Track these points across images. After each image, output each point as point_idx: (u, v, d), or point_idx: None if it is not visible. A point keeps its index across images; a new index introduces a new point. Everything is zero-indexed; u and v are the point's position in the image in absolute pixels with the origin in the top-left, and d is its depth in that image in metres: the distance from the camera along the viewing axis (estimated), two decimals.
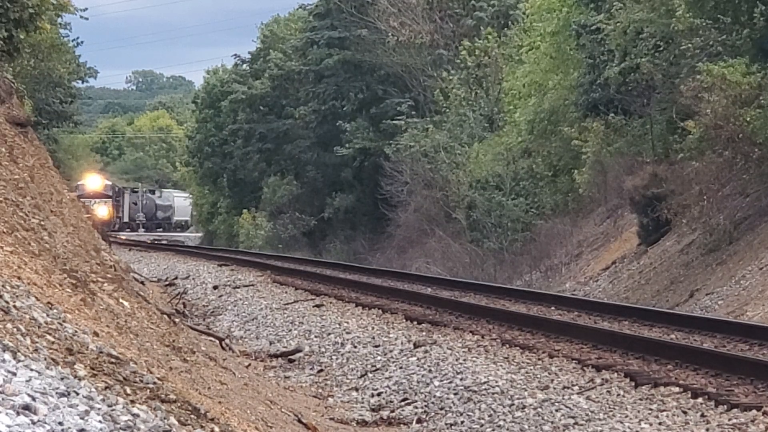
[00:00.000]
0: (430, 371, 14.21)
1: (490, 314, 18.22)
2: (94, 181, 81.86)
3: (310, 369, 16.19)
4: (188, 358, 11.96)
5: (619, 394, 12.09)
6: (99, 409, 5.44)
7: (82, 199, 72.39)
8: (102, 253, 17.23)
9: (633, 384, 12.38)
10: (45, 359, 6.11)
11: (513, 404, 12.02)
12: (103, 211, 76.43)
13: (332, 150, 57.43)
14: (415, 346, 15.84)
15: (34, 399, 5.11)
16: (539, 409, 11.69)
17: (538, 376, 13.25)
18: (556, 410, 11.58)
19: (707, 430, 10.55)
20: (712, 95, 27.51)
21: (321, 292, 23.63)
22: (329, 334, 18.24)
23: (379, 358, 15.75)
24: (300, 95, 61.62)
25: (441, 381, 13.60)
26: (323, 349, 17.22)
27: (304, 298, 22.99)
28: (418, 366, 14.63)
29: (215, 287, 27.77)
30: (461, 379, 13.42)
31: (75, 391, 5.56)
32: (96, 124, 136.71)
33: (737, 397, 11.43)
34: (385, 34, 54.11)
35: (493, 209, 41.95)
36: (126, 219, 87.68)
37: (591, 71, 36.46)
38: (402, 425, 12.39)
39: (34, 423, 4.83)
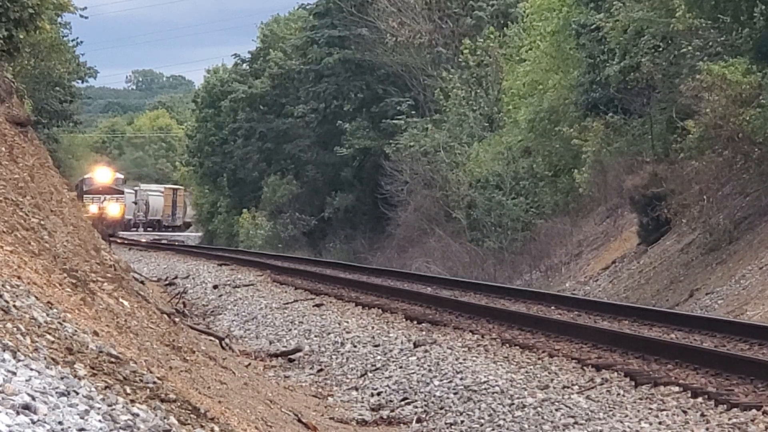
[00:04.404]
0: (430, 371, 14.21)
1: (490, 314, 18.22)
2: (103, 174, 75.24)
3: (310, 368, 16.19)
4: (188, 358, 11.96)
5: (619, 394, 12.09)
6: (99, 408, 5.44)
7: (89, 195, 69.29)
8: (102, 252, 17.23)
9: (633, 383, 12.38)
10: (45, 359, 6.11)
11: (513, 404, 12.01)
12: (114, 209, 71.54)
13: (332, 149, 57.43)
14: (415, 345, 15.84)
15: (33, 398, 5.11)
16: (539, 409, 11.69)
17: (538, 375, 13.25)
18: (556, 410, 11.58)
19: (707, 429, 10.55)
20: (712, 95, 27.51)
21: (321, 291, 23.63)
22: (329, 333, 18.25)
23: (378, 357, 15.75)
24: (300, 94, 61.63)
25: (441, 380, 13.60)
26: (323, 349, 17.22)
27: (304, 298, 22.99)
28: (417, 365, 14.63)
29: (215, 287, 27.77)
30: (461, 379, 13.42)
31: (75, 391, 5.56)
32: (96, 124, 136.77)
33: (737, 396, 11.43)
34: (384, 33, 54.11)
35: (493, 209, 41.94)
36: None
37: (591, 70, 36.45)
38: (402, 425, 12.39)
39: (34, 422, 4.83)
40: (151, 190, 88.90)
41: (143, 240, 62.83)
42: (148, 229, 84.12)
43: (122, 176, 79.46)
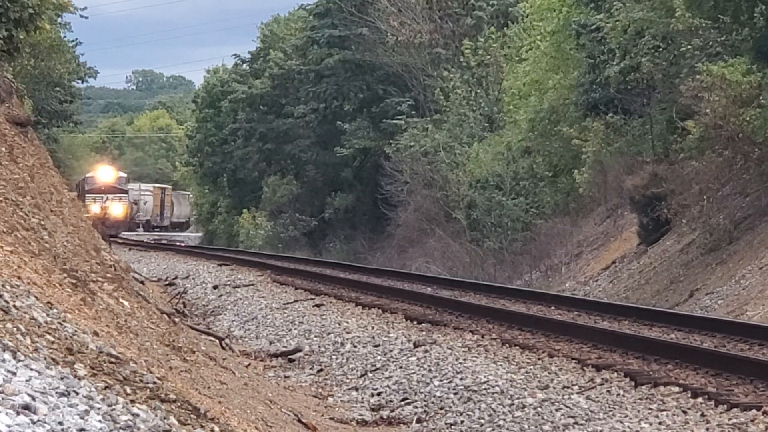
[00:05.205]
0: (429, 371, 14.20)
1: (490, 314, 18.22)
2: (105, 172, 72.03)
3: (310, 369, 16.19)
4: (188, 358, 11.96)
5: (619, 394, 12.08)
6: (99, 408, 5.44)
7: (92, 195, 68.02)
8: (102, 252, 17.23)
9: (633, 384, 12.38)
10: (45, 359, 6.11)
11: (513, 404, 12.01)
12: (117, 209, 69.38)
13: (332, 150, 57.44)
14: (415, 345, 15.84)
15: (34, 399, 5.11)
16: (539, 409, 11.68)
17: (538, 375, 13.24)
18: (556, 410, 11.57)
19: (707, 429, 10.55)
20: (712, 95, 27.52)
21: (321, 291, 23.62)
22: (329, 333, 18.25)
23: (378, 357, 15.74)
24: (300, 95, 61.64)
25: (441, 381, 13.60)
26: (323, 349, 17.22)
27: (304, 298, 22.99)
28: (417, 366, 14.63)
29: (215, 287, 27.76)
30: (461, 379, 13.42)
31: (75, 391, 5.56)
32: (96, 124, 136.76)
33: (737, 396, 11.42)
34: (385, 33, 54.14)
35: (493, 209, 41.94)
36: None
37: (591, 71, 36.46)
38: (402, 425, 12.39)
39: (34, 422, 4.83)
40: (142, 189, 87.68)
41: (145, 240, 62.54)
42: (138, 229, 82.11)
43: (125, 175, 77.37)
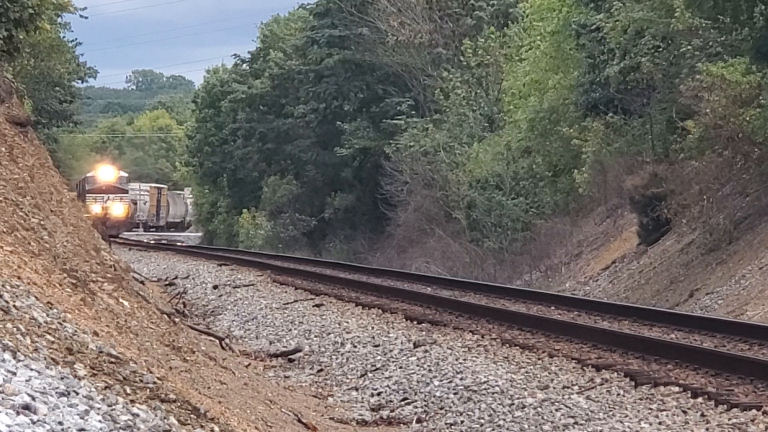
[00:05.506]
0: (429, 371, 14.20)
1: (490, 314, 18.22)
2: (106, 172, 70.85)
3: (310, 369, 16.19)
4: (188, 358, 11.96)
5: (619, 394, 12.09)
6: (99, 408, 5.44)
7: (92, 195, 67.77)
8: (102, 252, 17.23)
9: (633, 384, 12.38)
10: (45, 359, 6.11)
11: (513, 404, 12.01)
12: (119, 209, 68.86)
13: (332, 150, 57.45)
14: (415, 345, 15.83)
15: (33, 398, 5.11)
16: (539, 409, 11.68)
17: (538, 375, 13.24)
18: (556, 410, 11.57)
19: (707, 429, 10.55)
20: (711, 95, 27.52)
21: (321, 291, 23.62)
22: (329, 333, 18.25)
23: (378, 357, 15.74)
24: (300, 95, 61.64)
25: (441, 381, 13.60)
26: (323, 349, 17.22)
27: (303, 298, 22.99)
28: (417, 366, 14.63)
29: (215, 287, 27.76)
30: (461, 379, 13.42)
31: (75, 391, 5.56)
32: (96, 124, 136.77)
33: (737, 396, 11.42)
34: (385, 33, 54.15)
35: (493, 209, 41.94)
36: None
37: (591, 71, 36.46)
38: (402, 425, 12.39)
39: (34, 422, 4.83)
40: (141, 189, 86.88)
41: (144, 240, 62.40)
42: (136, 229, 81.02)
43: (126, 174, 76.69)
